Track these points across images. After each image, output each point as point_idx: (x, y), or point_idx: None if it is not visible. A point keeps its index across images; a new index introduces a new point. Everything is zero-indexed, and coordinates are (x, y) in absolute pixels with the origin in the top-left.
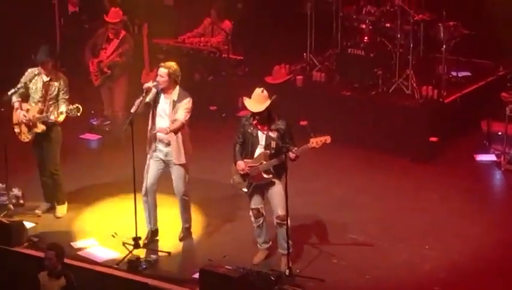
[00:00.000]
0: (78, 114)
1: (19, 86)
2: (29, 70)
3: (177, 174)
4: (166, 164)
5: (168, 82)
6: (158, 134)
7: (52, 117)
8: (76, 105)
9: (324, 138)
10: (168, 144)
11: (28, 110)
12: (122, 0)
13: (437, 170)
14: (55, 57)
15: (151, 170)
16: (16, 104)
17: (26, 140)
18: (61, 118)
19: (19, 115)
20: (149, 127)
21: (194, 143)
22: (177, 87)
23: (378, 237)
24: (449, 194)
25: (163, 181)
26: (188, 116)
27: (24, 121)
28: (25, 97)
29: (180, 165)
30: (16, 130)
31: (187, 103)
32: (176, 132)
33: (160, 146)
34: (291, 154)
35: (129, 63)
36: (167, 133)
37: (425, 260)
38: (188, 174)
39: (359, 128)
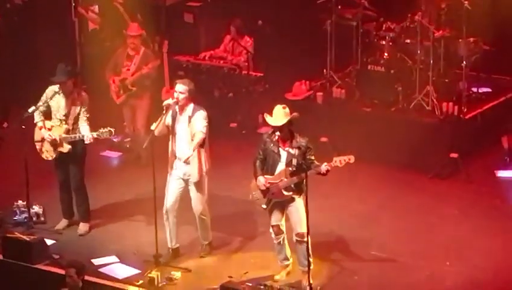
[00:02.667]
0: (110, 137)
1: (39, 103)
2: (50, 88)
3: (195, 193)
4: (186, 182)
5: (186, 98)
6: (177, 152)
7: (85, 139)
8: (109, 128)
9: (348, 157)
10: (187, 163)
11: (51, 128)
12: (142, 18)
13: (458, 186)
14: (75, 74)
15: (171, 188)
16: (40, 123)
17: (50, 158)
18: (92, 139)
19: (42, 134)
20: (169, 145)
21: (214, 160)
22: (192, 104)
23: (399, 254)
24: (470, 211)
25: (185, 198)
26: (206, 125)
27: (49, 140)
28: (47, 115)
29: (198, 184)
30: (38, 147)
31: (202, 113)
32: (199, 145)
33: (179, 164)
34: (324, 168)
35: (153, 78)
36: (193, 151)
37: (446, 276)
38: (206, 194)
39: (379, 145)
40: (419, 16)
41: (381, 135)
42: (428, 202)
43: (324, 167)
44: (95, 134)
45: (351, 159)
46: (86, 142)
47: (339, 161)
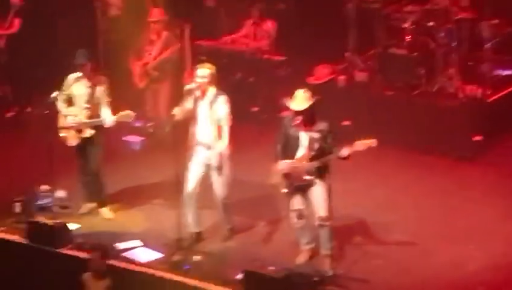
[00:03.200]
0: (130, 120)
1: (61, 90)
2: (71, 75)
3: (217, 177)
4: (207, 167)
5: (208, 83)
6: (198, 137)
7: (106, 123)
8: (128, 111)
9: (370, 141)
10: (208, 147)
11: (74, 115)
12: (164, 2)
13: (481, 169)
14: (96, 60)
15: (193, 173)
16: (63, 110)
17: (74, 144)
18: (113, 123)
19: (65, 120)
20: (191, 130)
21: (235, 144)
22: (213, 88)
23: (422, 237)
24: (493, 194)
25: (207, 183)
26: (229, 111)
27: (72, 126)
28: (69, 101)
29: (220, 168)
30: (63, 133)
31: (223, 98)
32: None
33: (200, 149)
34: (345, 152)
35: (175, 62)
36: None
37: (469, 260)
38: (228, 178)
39: (402, 128)
40: None
41: (403, 118)
42: (451, 185)
43: (345, 151)
44: (114, 118)
45: (373, 143)
46: (105, 126)
47: (360, 144)
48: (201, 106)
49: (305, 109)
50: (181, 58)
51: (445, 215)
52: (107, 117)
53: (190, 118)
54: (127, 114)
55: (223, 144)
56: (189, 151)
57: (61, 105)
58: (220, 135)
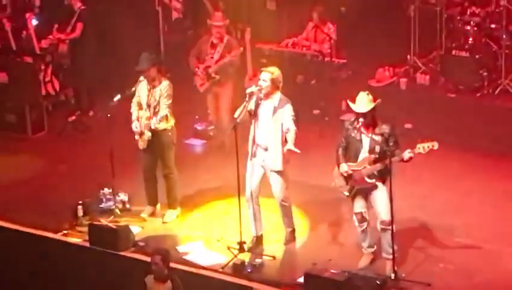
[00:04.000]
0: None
1: (126, 92)
2: (140, 78)
3: (274, 180)
4: (266, 169)
5: (271, 87)
6: (257, 139)
7: (153, 126)
8: (166, 113)
9: (431, 143)
10: (266, 149)
11: (141, 118)
12: (225, 5)
13: None
14: (158, 62)
15: (252, 175)
16: (135, 113)
17: (144, 147)
18: (162, 125)
19: (134, 124)
20: (251, 133)
21: (297, 147)
22: (278, 93)
23: (486, 241)
24: None
25: (267, 184)
26: (295, 119)
27: (137, 131)
28: (139, 104)
29: (279, 171)
30: (136, 137)
31: (290, 110)
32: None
33: (260, 151)
34: (407, 155)
35: (237, 65)
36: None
37: None
38: (287, 180)
39: (465, 131)
40: (504, 0)
41: (466, 120)
42: None
43: (407, 154)
44: (152, 124)
45: (435, 145)
46: (151, 127)
47: (422, 147)
48: (264, 109)
49: (367, 112)
50: (242, 61)
51: (509, 218)
52: (153, 120)
53: (251, 121)
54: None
55: (290, 146)
56: (248, 153)
57: (133, 108)
58: (285, 140)
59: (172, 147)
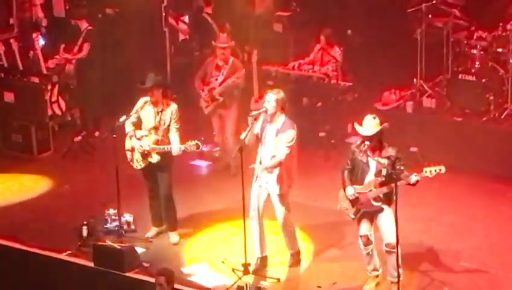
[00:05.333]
0: (197, 150)
1: (131, 113)
2: (142, 99)
3: (276, 203)
4: (269, 191)
5: (276, 107)
6: (263, 161)
7: (173, 151)
8: (196, 141)
9: (438, 167)
10: (269, 172)
11: (141, 138)
12: (231, 27)
13: None
14: (165, 84)
15: (257, 197)
16: (131, 133)
17: (139, 167)
18: (180, 151)
19: (132, 144)
20: (258, 154)
21: (303, 170)
22: (283, 116)
23: (491, 265)
24: None
25: (271, 206)
26: (288, 151)
27: (139, 151)
28: (138, 125)
29: (279, 195)
30: (128, 156)
31: (289, 136)
32: (272, 168)
33: (264, 173)
34: (414, 179)
35: (241, 87)
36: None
37: None
38: (288, 204)
39: (470, 155)
40: (511, 25)
41: (472, 144)
42: None
43: (414, 178)
44: (182, 147)
45: (442, 169)
46: (173, 154)
47: (429, 171)
48: (269, 131)
49: (373, 135)
50: (248, 83)
51: None
52: (175, 145)
53: (257, 143)
54: (195, 144)
55: (269, 162)
56: (254, 175)
57: (129, 127)
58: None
59: (172, 168)
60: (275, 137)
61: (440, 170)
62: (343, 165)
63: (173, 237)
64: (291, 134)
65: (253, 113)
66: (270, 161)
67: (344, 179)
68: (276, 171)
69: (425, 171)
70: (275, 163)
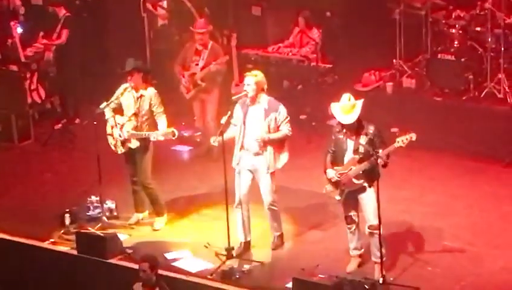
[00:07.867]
0: (173, 138)
1: (111, 100)
2: (122, 85)
3: (265, 184)
4: (254, 174)
5: (256, 90)
6: (246, 144)
7: (152, 138)
8: (172, 129)
9: (409, 135)
10: (257, 154)
11: (122, 125)
12: (210, 11)
13: None
14: (144, 69)
15: (241, 181)
16: (111, 119)
17: (120, 152)
18: (161, 138)
19: (112, 130)
20: (236, 138)
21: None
22: (264, 95)
23: (473, 244)
24: None
25: (256, 191)
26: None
27: (120, 139)
28: (118, 111)
29: (268, 175)
30: (109, 140)
31: (284, 111)
32: (272, 142)
33: (247, 156)
34: (380, 161)
35: (223, 72)
36: (264, 142)
37: None
38: (275, 183)
39: (451, 134)
40: (489, 3)
41: (452, 124)
42: (502, 191)
43: (387, 150)
44: (160, 133)
45: (413, 136)
46: (151, 139)
47: (401, 141)
48: (252, 114)
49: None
50: (228, 67)
51: (496, 221)
52: (160, 129)
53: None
54: (171, 132)
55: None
56: (234, 159)
57: (109, 113)
58: (278, 141)
59: (151, 154)
60: (265, 118)
61: (411, 137)
62: (325, 147)
63: (157, 223)
64: (284, 109)
65: (235, 97)
66: (275, 133)
67: (325, 163)
68: (268, 150)
69: (398, 142)
70: (278, 136)
